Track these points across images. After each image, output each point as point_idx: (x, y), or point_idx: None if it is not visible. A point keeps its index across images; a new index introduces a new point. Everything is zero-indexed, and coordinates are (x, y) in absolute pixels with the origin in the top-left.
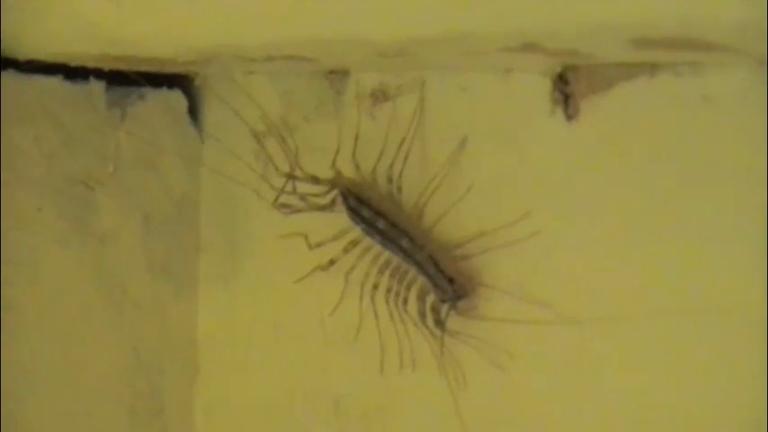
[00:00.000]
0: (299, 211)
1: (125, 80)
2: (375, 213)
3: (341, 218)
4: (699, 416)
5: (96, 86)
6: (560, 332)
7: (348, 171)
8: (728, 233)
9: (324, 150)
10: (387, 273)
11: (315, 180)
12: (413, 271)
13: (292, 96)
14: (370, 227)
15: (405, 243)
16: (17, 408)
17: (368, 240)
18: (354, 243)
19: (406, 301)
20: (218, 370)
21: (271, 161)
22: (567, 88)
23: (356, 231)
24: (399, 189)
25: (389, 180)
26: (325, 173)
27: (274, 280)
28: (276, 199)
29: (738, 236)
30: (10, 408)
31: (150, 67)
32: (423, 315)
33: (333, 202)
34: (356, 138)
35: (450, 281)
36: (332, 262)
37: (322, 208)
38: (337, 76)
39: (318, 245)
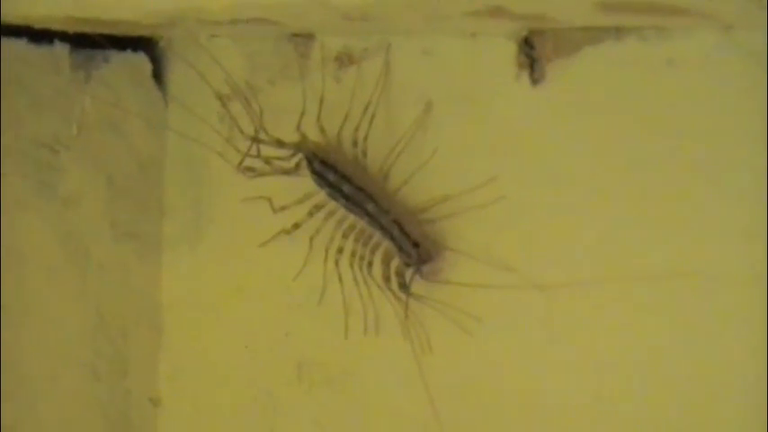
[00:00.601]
0: (263, 174)
1: (90, 43)
2: (340, 177)
3: (306, 181)
4: (663, 379)
5: (61, 49)
6: (525, 296)
7: (313, 135)
8: (695, 195)
9: (289, 114)
10: (351, 237)
11: (279, 143)
12: (378, 235)
13: (257, 59)
14: (334, 191)
15: (370, 207)
16: None
17: (333, 204)
18: (319, 207)
19: (370, 265)
20: (182, 333)
21: (235, 124)
22: (532, 52)
23: (321, 195)
24: (364, 153)
25: (354, 144)
26: (290, 136)
27: (239, 243)
28: (241, 162)
29: (705, 198)
30: None
31: (115, 29)
32: (387, 279)
33: (297, 165)
34: (321, 101)
35: (415, 245)
36: (296, 226)
37: (287, 171)
38: (302, 39)
39: (283, 208)
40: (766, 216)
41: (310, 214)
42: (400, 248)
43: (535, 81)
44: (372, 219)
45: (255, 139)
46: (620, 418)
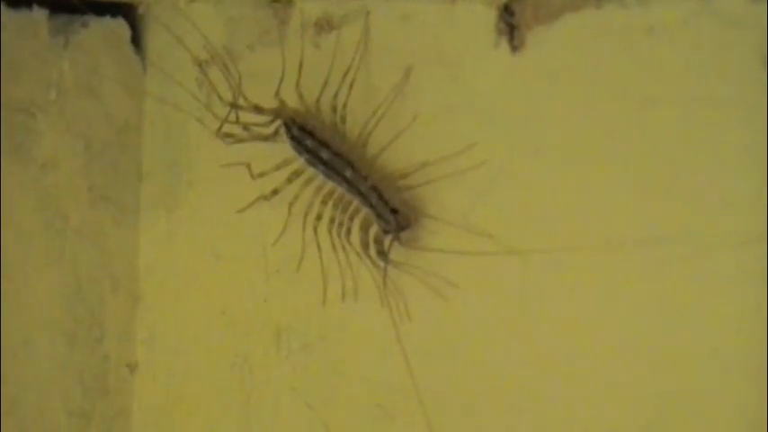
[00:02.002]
0: (242, 140)
1: (68, 8)
2: (319, 143)
3: (284, 148)
4: (641, 345)
5: (39, 14)
6: (503, 263)
7: (292, 101)
8: (674, 163)
9: (267, 80)
10: (330, 203)
11: (258, 109)
12: (356, 201)
13: (236, 25)
14: (313, 157)
15: (348, 173)
16: None
17: (311, 170)
18: (298, 173)
19: (349, 231)
20: (159, 298)
21: (214, 90)
22: (512, 19)
23: (299, 161)
24: (343, 119)
25: (333, 110)
26: (269, 102)
27: (216, 209)
28: (219, 128)
29: (684, 165)
30: None
31: None
32: (366, 246)
33: (276, 131)
34: (300, 67)
35: (394, 211)
36: (275, 192)
37: (265, 138)
38: (281, 4)
39: (261, 174)
40: (748, 182)
41: (289, 180)
42: (379, 215)
43: (515, 48)
44: (351, 185)
45: (234, 105)
46: (596, 384)
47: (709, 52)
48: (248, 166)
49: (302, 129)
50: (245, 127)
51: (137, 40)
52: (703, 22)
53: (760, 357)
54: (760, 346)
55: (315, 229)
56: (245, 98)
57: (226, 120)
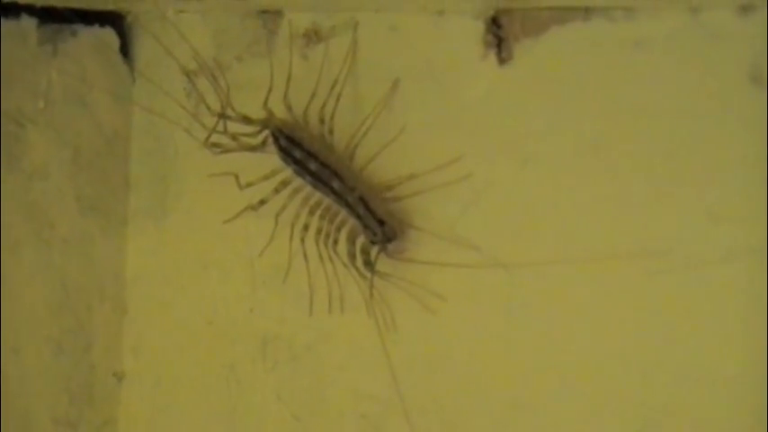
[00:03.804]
0: (230, 150)
1: (57, 17)
2: (306, 154)
3: (272, 158)
4: (626, 357)
5: (28, 23)
6: (490, 276)
7: (280, 112)
8: (661, 176)
9: (256, 90)
10: (317, 214)
11: (246, 120)
12: (343, 212)
13: (225, 35)
14: (301, 167)
15: (336, 184)
16: None
17: (299, 181)
18: (285, 183)
19: (336, 242)
20: (147, 308)
21: (202, 100)
22: (500, 32)
23: (287, 172)
24: (331, 130)
25: (321, 121)
26: (257, 113)
27: (204, 219)
28: (207, 138)
29: (671, 178)
30: None
31: (82, 4)
32: (353, 257)
33: (264, 142)
34: (288, 78)
35: (381, 223)
36: (262, 202)
37: (253, 148)
38: (270, 15)
39: (249, 185)
40: (734, 196)
41: (276, 191)
42: (366, 226)
43: (502, 61)
44: (338, 196)
45: (222, 116)
46: (582, 397)
47: (696, 66)
48: (236, 176)
49: (290, 139)
50: (234, 137)
51: (125, 50)
52: (690, 35)
53: (748, 369)
54: (748, 359)
55: (302, 240)
56: (234, 108)
57: (214, 130)
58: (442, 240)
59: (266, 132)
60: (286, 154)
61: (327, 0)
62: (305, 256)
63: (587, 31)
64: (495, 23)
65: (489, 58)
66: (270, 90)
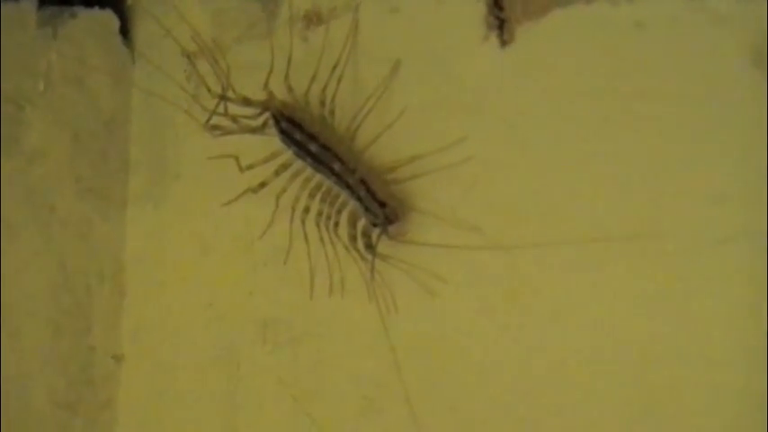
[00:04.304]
0: (230, 132)
1: None
2: (307, 136)
3: (272, 140)
4: (626, 340)
5: (28, 5)
6: (490, 258)
7: (280, 94)
8: (662, 157)
9: (256, 72)
10: (318, 196)
11: (247, 102)
12: (344, 195)
13: (224, 17)
14: (301, 150)
15: (336, 166)
16: None
17: (299, 163)
18: (286, 166)
19: (336, 225)
20: (146, 290)
21: (202, 82)
22: (501, 13)
23: (288, 154)
24: (332, 112)
25: (322, 103)
26: (258, 95)
27: (204, 202)
28: (207, 120)
29: (673, 160)
30: None
31: None
32: (353, 239)
33: (264, 124)
34: (289, 60)
35: (382, 205)
36: (263, 185)
37: (253, 130)
38: None
39: (249, 167)
40: (735, 179)
41: (277, 173)
42: (367, 208)
43: (504, 43)
44: (339, 178)
45: (222, 98)
46: (583, 378)
47: (698, 48)
48: (236, 158)
49: (291, 121)
50: (234, 119)
51: (125, 32)
52: (692, 18)
53: (749, 352)
54: (749, 341)
55: (302, 222)
56: (234, 90)
57: (214, 112)
58: (443, 222)
59: (267, 114)
60: (286, 136)
61: None
62: (305, 238)
63: (589, 13)
64: (496, 5)
65: (491, 40)
66: (270, 72)
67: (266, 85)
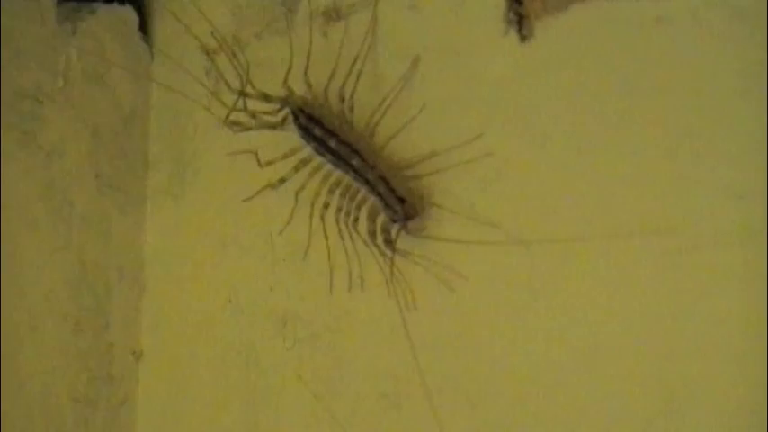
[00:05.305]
0: (249, 128)
1: None
2: (326, 132)
3: (292, 136)
4: (646, 336)
5: (47, 1)
6: (510, 253)
7: (300, 89)
8: (681, 153)
9: (275, 68)
10: (337, 192)
11: (266, 98)
12: (363, 190)
13: (244, 13)
14: (321, 145)
15: (356, 162)
16: None
17: (319, 159)
18: (305, 162)
19: (356, 220)
20: (165, 286)
21: (222, 78)
22: (521, 9)
23: (307, 150)
24: (351, 108)
25: (341, 99)
26: (277, 91)
27: (223, 198)
28: (227, 116)
29: (691, 156)
30: None
31: None
32: (373, 235)
33: (284, 120)
34: (308, 56)
35: (401, 201)
36: (282, 180)
37: (273, 126)
38: None
39: (269, 163)
40: (755, 174)
41: (296, 169)
42: (386, 204)
43: (523, 38)
44: (358, 174)
45: (242, 93)
46: (603, 374)
47: (717, 44)
48: (255, 154)
49: (310, 117)
50: (253, 115)
51: (144, 28)
52: (712, 13)
53: (763, 349)
54: (762, 338)
55: (322, 218)
56: (253, 86)
57: (233, 108)
58: (462, 218)
59: (286, 110)
60: (306, 132)
61: None
62: (325, 234)
63: (608, 8)
64: (516, 1)
65: (510, 35)
66: (290, 68)
67: (285, 81)
